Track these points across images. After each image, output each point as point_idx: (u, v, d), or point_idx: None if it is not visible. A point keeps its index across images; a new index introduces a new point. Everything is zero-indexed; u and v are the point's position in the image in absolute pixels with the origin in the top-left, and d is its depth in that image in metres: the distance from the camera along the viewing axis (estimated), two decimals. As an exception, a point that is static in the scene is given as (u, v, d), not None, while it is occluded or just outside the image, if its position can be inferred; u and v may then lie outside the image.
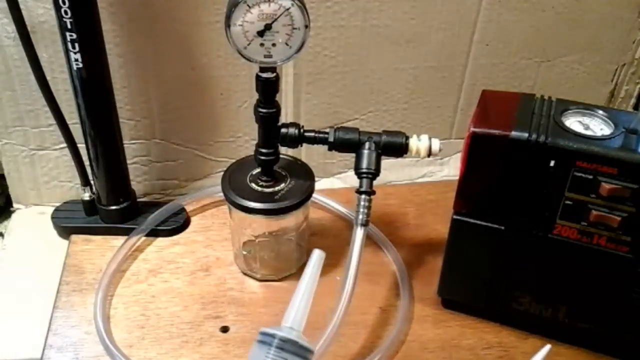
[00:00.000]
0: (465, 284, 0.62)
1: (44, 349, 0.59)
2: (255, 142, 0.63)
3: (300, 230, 0.67)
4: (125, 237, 0.70)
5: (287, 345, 0.45)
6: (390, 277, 0.69)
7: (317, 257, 0.50)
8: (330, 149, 0.61)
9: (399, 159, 0.62)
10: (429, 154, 0.60)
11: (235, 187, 0.62)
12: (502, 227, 0.57)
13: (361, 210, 0.57)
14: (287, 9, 0.53)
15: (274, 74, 0.58)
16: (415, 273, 0.69)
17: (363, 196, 0.57)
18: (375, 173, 0.59)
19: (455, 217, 0.58)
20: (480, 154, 0.54)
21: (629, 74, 0.86)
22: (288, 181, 0.64)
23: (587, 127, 0.53)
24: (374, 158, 0.59)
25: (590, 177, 0.51)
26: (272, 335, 0.45)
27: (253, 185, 0.63)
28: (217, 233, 0.73)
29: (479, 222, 0.57)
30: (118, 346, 0.58)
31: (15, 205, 0.79)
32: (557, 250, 0.55)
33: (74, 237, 0.72)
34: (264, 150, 0.62)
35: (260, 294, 0.66)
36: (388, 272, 0.69)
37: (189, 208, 0.75)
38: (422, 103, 0.83)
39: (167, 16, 0.70)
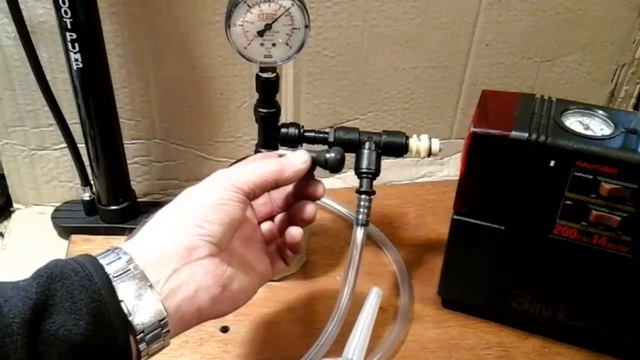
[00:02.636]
0: (465, 284, 0.62)
1: (44, 349, 0.58)
2: (255, 142, 0.63)
3: (300, 230, 0.67)
4: (125, 237, 0.70)
5: None
6: (390, 277, 0.69)
7: (375, 294, 0.57)
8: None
9: (399, 159, 0.62)
10: (429, 154, 0.60)
11: (235, 187, 0.62)
12: (502, 227, 0.57)
13: (361, 210, 0.57)
14: (287, 9, 0.53)
15: (274, 74, 0.58)
16: (415, 273, 0.69)
17: (363, 196, 0.57)
18: (375, 173, 0.59)
19: (455, 217, 0.58)
20: (480, 154, 0.54)
21: (629, 74, 0.86)
22: (288, 181, 0.64)
23: (587, 127, 0.53)
24: (374, 158, 0.59)
25: (590, 177, 0.51)
26: None
27: (253, 185, 0.63)
28: (217, 233, 0.72)
29: (479, 222, 0.57)
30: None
31: (15, 205, 0.79)
32: (557, 250, 0.55)
33: (74, 237, 0.72)
34: (264, 150, 0.62)
35: (260, 294, 0.65)
36: (388, 272, 0.69)
37: (189, 208, 0.75)
38: (422, 103, 0.83)
39: (167, 16, 0.70)
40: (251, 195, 0.45)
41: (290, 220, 0.51)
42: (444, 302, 0.65)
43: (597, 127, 0.54)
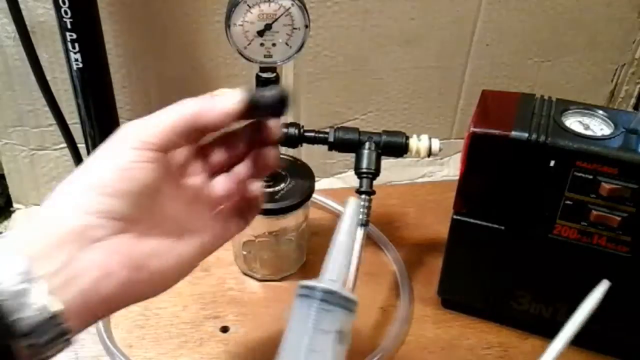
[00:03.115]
0: (465, 284, 0.62)
1: (44, 349, 0.58)
2: (255, 142, 0.63)
3: (300, 230, 0.67)
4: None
5: (331, 297, 0.42)
6: (390, 277, 0.69)
7: (352, 204, 0.46)
8: (330, 149, 0.61)
9: (399, 159, 0.62)
10: (429, 154, 0.60)
11: (235, 187, 0.62)
12: (502, 227, 0.57)
13: (361, 210, 0.57)
14: (287, 9, 0.53)
15: (274, 74, 0.58)
16: (415, 273, 0.69)
17: (363, 196, 0.57)
18: (375, 173, 0.59)
19: (455, 217, 0.58)
20: (480, 154, 0.54)
21: (629, 74, 0.86)
22: (288, 181, 0.64)
23: (587, 127, 0.53)
24: (374, 158, 0.59)
25: (590, 177, 0.51)
26: (314, 288, 0.42)
27: (253, 185, 0.63)
28: (217, 233, 0.72)
29: (479, 222, 0.57)
30: (118, 346, 0.58)
31: (15, 205, 0.79)
32: (557, 250, 0.55)
33: (74, 237, 0.72)
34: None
35: (260, 294, 0.66)
36: (388, 272, 0.69)
37: (189, 208, 0.75)
38: (422, 103, 0.83)
39: (167, 16, 0.70)
40: (168, 147, 0.38)
41: (250, 171, 0.43)
42: (444, 302, 0.65)
43: (597, 127, 0.54)
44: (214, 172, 0.43)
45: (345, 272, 0.44)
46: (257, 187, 0.44)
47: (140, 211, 0.37)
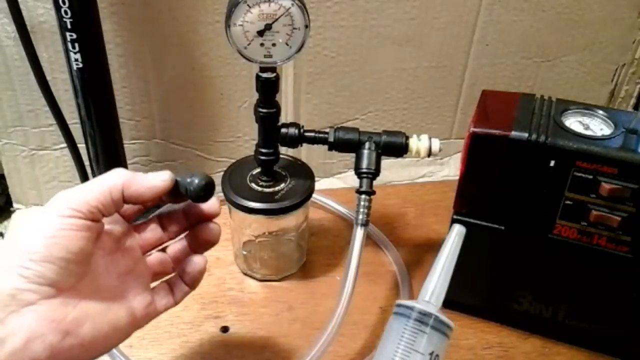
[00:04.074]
0: (465, 284, 0.62)
1: (44, 349, 0.58)
2: (255, 142, 0.63)
3: (300, 230, 0.67)
4: None
5: (426, 318, 0.44)
6: (390, 277, 0.69)
7: (457, 231, 0.50)
8: (330, 149, 0.61)
9: (399, 159, 0.62)
10: (429, 154, 0.60)
11: (235, 187, 0.62)
12: (502, 227, 0.57)
13: (361, 210, 0.57)
14: (287, 9, 0.53)
15: (274, 74, 0.58)
16: (415, 273, 0.69)
17: (363, 196, 0.57)
18: (375, 173, 0.59)
19: (455, 217, 0.58)
20: (480, 154, 0.54)
21: (629, 74, 0.86)
22: (288, 181, 0.64)
23: (587, 127, 0.54)
24: (374, 158, 0.59)
25: (590, 177, 0.51)
26: (410, 308, 0.44)
27: (253, 185, 0.63)
28: (217, 233, 0.72)
29: (479, 222, 0.57)
30: (118, 346, 0.58)
31: (15, 205, 0.79)
32: (557, 250, 0.55)
33: (74, 237, 0.72)
34: (264, 150, 0.62)
35: (260, 294, 0.66)
36: (388, 272, 0.69)
37: (189, 208, 0.75)
38: (422, 103, 0.83)
39: (167, 16, 0.70)
40: (97, 215, 0.39)
41: (191, 247, 0.47)
42: (444, 302, 0.65)
43: (597, 127, 0.54)
44: (151, 248, 0.46)
45: (443, 296, 0.46)
46: (198, 260, 0.45)
47: (70, 277, 0.38)
